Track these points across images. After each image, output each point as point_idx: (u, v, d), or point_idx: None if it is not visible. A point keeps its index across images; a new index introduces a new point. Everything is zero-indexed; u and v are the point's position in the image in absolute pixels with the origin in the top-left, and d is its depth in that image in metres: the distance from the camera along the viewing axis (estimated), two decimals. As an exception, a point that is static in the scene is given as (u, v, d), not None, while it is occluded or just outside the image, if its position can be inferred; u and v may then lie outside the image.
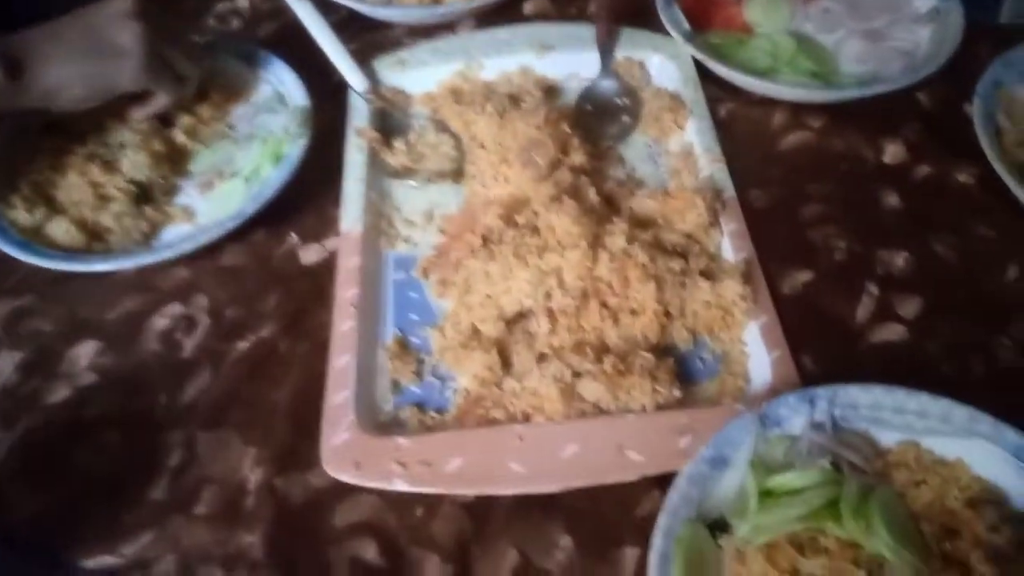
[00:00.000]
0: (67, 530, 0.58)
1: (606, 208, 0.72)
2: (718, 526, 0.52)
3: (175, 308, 0.71)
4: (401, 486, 0.57)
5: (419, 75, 0.88)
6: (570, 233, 0.65)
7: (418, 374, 0.66)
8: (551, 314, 0.65)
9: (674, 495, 0.51)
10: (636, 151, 0.82)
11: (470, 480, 0.57)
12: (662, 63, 0.88)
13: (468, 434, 0.60)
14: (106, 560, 0.57)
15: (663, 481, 0.53)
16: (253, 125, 0.84)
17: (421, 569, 0.55)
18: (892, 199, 0.76)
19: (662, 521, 0.50)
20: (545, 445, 0.58)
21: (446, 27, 0.95)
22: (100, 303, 0.72)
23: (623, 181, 0.78)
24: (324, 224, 0.76)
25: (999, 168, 0.72)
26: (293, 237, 0.75)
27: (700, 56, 0.84)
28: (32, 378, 0.67)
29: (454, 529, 0.57)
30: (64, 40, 0.72)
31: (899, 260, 0.71)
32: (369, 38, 0.93)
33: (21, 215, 0.73)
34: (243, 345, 0.68)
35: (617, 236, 0.66)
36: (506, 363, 0.65)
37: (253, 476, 0.60)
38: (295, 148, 0.78)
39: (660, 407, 0.61)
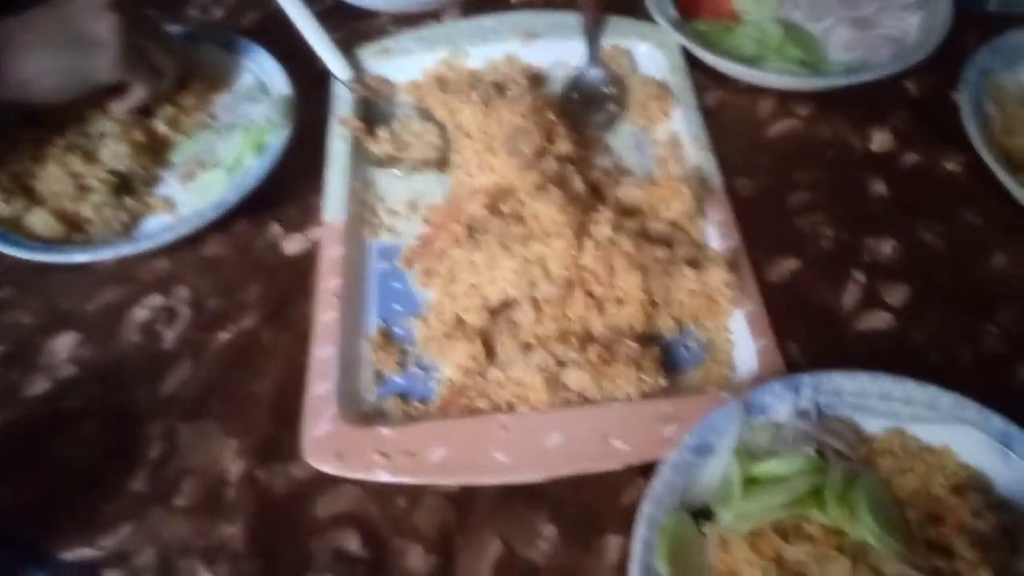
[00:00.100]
0: (46, 522, 0.58)
1: (592, 197, 0.71)
2: (703, 514, 0.51)
3: (156, 299, 0.70)
4: (384, 477, 0.56)
5: (404, 63, 0.87)
6: (555, 222, 0.65)
7: (402, 364, 0.65)
8: (536, 303, 0.64)
9: (658, 483, 0.51)
10: (623, 139, 0.82)
11: (454, 470, 0.56)
12: (649, 51, 0.87)
13: (452, 424, 0.59)
14: (85, 552, 0.56)
15: (648, 470, 0.53)
16: (235, 115, 0.83)
17: (404, 560, 0.55)
18: (879, 187, 0.76)
19: (646, 509, 0.50)
20: (529, 434, 0.57)
21: (431, 15, 0.94)
22: (80, 295, 0.71)
23: (609, 170, 0.77)
24: (307, 214, 0.75)
25: (986, 156, 0.71)
26: (276, 227, 0.75)
27: (687, 44, 0.83)
28: (11, 370, 0.66)
29: (437, 520, 0.57)
30: (39, 30, 0.71)
31: (886, 248, 0.70)
32: (353, 26, 0.93)
33: (-1, 206, 0.73)
34: (224, 336, 0.68)
35: (602, 225, 0.65)
36: (490, 353, 0.64)
37: (234, 467, 0.60)
38: (277, 138, 0.77)
39: (645, 396, 0.60)
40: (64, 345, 0.68)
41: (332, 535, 0.56)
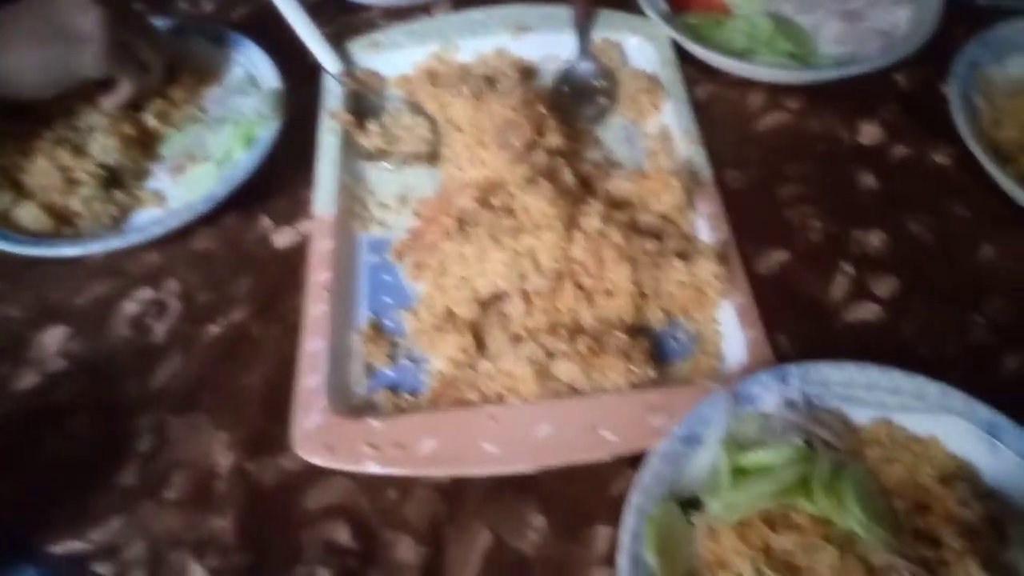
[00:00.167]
0: (35, 516, 0.58)
1: (582, 190, 0.71)
2: (691, 504, 0.51)
3: (145, 293, 0.70)
4: (374, 468, 0.56)
5: (394, 57, 0.87)
6: (545, 214, 0.65)
7: (392, 357, 0.65)
8: (526, 296, 0.65)
9: (646, 474, 0.51)
10: (613, 133, 0.82)
11: (443, 462, 0.56)
12: (640, 44, 0.87)
13: (441, 416, 0.59)
14: (74, 546, 0.56)
15: (637, 460, 0.53)
16: (225, 108, 0.83)
17: (394, 551, 0.55)
18: (868, 180, 0.76)
19: (634, 499, 0.50)
20: (519, 426, 0.57)
21: (421, 8, 0.94)
22: (69, 288, 0.71)
23: (600, 163, 0.77)
24: (297, 207, 0.75)
25: (975, 148, 0.72)
26: (266, 220, 0.75)
27: (678, 37, 0.83)
28: (0, 364, 0.66)
29: (427, 511, 0.57)
30: (23, 24, 0.71)
31: (875, 240, 0.71)
32: (344, 20, 0.92)
33: (-12, 200, 0.72)
34: (214, 329, 0.67)
35: (592, 217, 0.65)
36: (481, 345, 0.64)
37: (224, 460, 0.60)
38: (267, 131, 0.77)
39: (634, 387, 0.60)
40: (53, 339, 0.67)
41: (322, 527, 0.56)
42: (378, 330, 0.66)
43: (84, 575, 0.55)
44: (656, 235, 0.68)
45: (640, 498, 0.50)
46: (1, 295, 0.71)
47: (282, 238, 0.74)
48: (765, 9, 0.87)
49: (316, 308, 0.65)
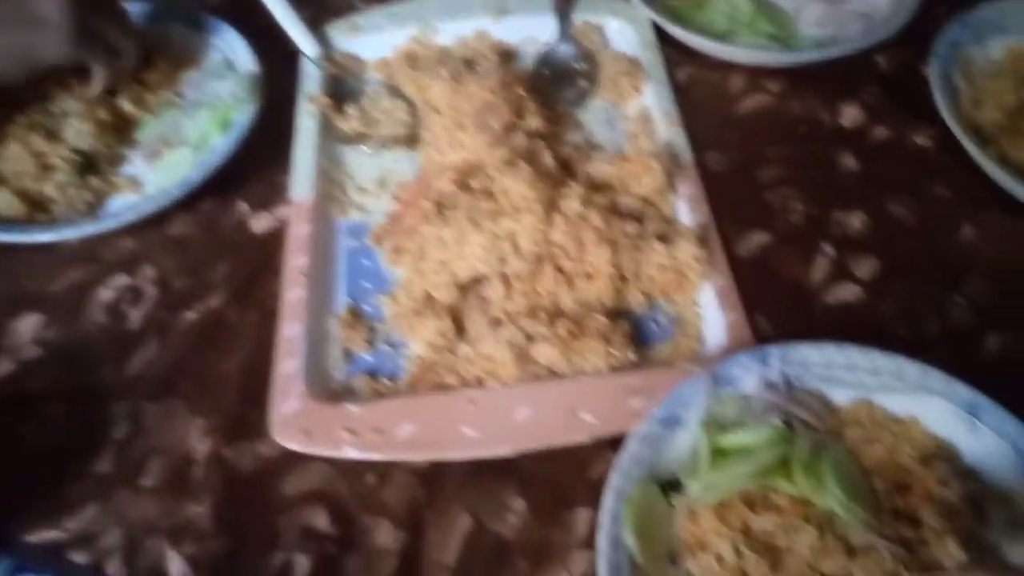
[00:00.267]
0: (10, 505, 0.57)
1: (562, 172, 0.70)
2: (672, 486, 0.51)
3: (121, 279, 0.69)
4: (352, 453, 0.56)
5: (373, 40, 0.86)
6: (525, 197, 0.64)
7: (370, 342, 0.65)
8: (506, 279, 0.64)
9: (625, 456, 0.51)
10: (594, 116, 0.81)
11: (422, 446, 0.56)
12: (620, 27, 0.87)
13: (420, 400, 0.59)
14: (50, 534, 0.56)
15: (617, 443, 0.52)
16: (201, 92, 0.82)
17: (373, 536, 0.55)
18: (849, 161, 0.76)
19: (613, 481, 0.50)
20: (498, 409, 0.57)
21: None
22: (44, 275, 0.70)
23: (580, 146, 0.77)
24: (275, 192, 0.74)
25: (955, 129, 0.71)
26: (243, 206, 0.74)
27: (658, 19, 0.83)
28: (-26, 352, 0.65)
29: (406, 496, 0.56)
30: None
31: (855, 221, 0.71)
32: (322, 3, 0.91)
33: (-40, 186, 0.71)
34: (191, 315, 0.67)
35: (572, 200, 0.65)
36: (460, 329, 0.64)
37: (201, 447, 0.59)
38: (243, 115, 0.76)
39: (614, 370, 0.60)
40: (28, 326, 0.67)
41: (300, 513, 0.56)
42: (356, 315, 0.66)
43: (60, 564, 0.55)
44: (636, 218, 0.67)
45: (619, 480, 0.50)
46: (-26, 282, 0.70)
47: (259, 223, 0.73)
48: (746, -9, 0.87)
49: (293, 293, 0.64)
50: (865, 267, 0.67)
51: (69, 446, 0.60)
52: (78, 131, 0.75)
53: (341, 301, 0.67)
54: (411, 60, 0.84)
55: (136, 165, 0.77)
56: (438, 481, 0.57)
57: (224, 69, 0.83)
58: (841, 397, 0.54)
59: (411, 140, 0.78)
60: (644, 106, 0.80)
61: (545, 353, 0.60)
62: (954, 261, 0.68)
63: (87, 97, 0.77)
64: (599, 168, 0.72)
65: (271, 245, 0.70)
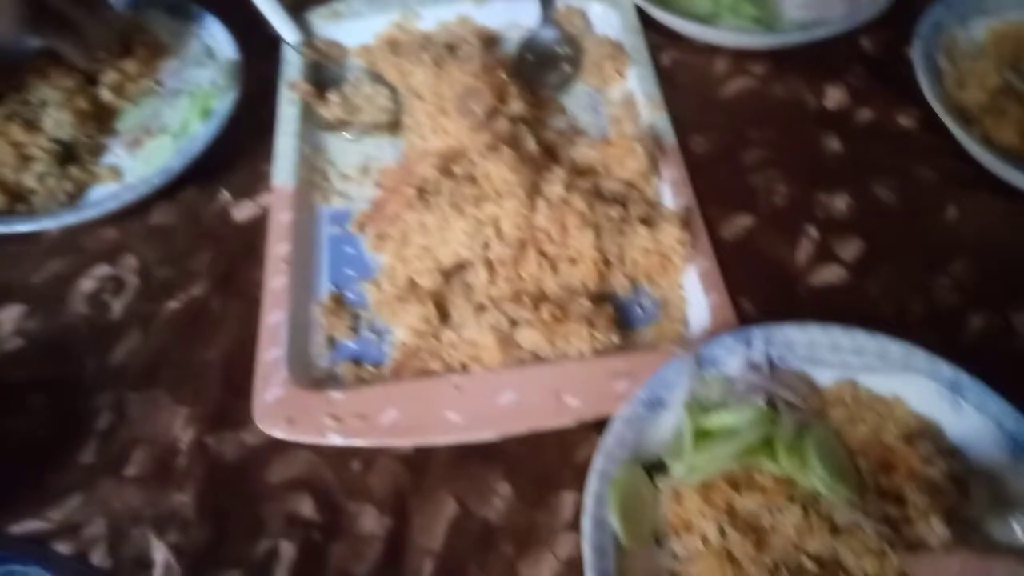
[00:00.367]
0: (-7, 496, 0.57)
1: (545, 157, 0.70)
2: (657, 468, 0.51)
3: (102, 269, 0.69)
4: (336, 440, 0.55)
5: (354, 27, 0.85)
6: (507, 181, 0.64)
7: (354, 329, 0.64)
8: (489, 264, 0.64)
9: (609, 438, 0.51)
10: (578, 100, 0.81)
11: (406, 431, 0.56)
12: (603, 11, 0.86)
13: (404, 386, 0.59)
14: (33, 525, 0.56)
15: (601, 426, 0.52)
16: (181, 80, 0.81)
17: (358, 522, 0.55)
18: (834, 143, 0.75)
19: (597, 463, 0.50)
20: (482, 394, 0.57)
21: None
22: (25, 266, 0.69)
23: (564, 130, 0.77)
24: (257, 180, 0.74)
25: (939, 110, 0.71)
26: (224, 194, 0.73)
27: (642, 3, 0.82)
28: (-45, 344, 0.65)
29: (391, 482, 0.56)
30: None
31: (840, 203, 0.70)
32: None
33: (-62, 178, 0.70)
34: (173, 305, 0.66)
35: (555, 184, 0.65)
36: (444, 315, 0.63)
37: (185, 436, 0.59)
38: (224, 103, 0.75)
39: (598, 353, 0.60)
40: (9, 317, 0.66)
41: (285, 500, 0.56)
42: (340, 302, 0.65)
43: (44, 554, 0.54)
44: (620, 202, 0.67)
45: (604, 462, 0.50)
46: (-46, 274, 0.69)
47: (242, 212, 0.72)
48: (729, -26, 0.86)
49: (276, 281, 0.64)
50: (849, 249, 0.67)
51: (52, 437, 0.60)
52: (57, 121, 0.74)
53: (324, 289, 0.67)
54: (393, 46, 0.83)
55: (117, 154, 0.77)
56: (423, 467, 0.57)
57: (204, 57, 0.82)
58: (825, 378, 0.55)
59: (393, 126, 0.77)
60: (628, 90, 0.80)
61: (529, 338, 0.60)
62: (938, 242, 0.68)
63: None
64: (582, 152, 0.72)
65: (254, 234, 0.70)
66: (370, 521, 0.55)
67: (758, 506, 0.48)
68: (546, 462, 0.56)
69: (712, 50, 0.83)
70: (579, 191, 0.65)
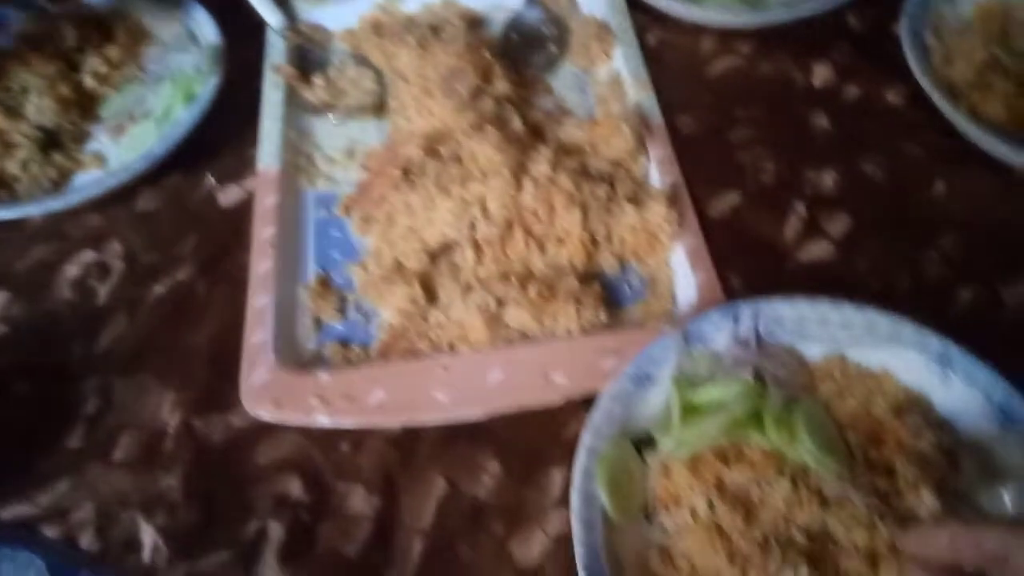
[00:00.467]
0: (-21, 483, 0.56)
1: (532, 137, 0.70)
2: (645, 443, 0.51)
3: (87, 255, 0.69)
4: (323, 421, 0.55)
5: (338, 10, 0.85)
6: (492, 161, 0.64)
7: (341, 311, 0.64)
8: (476, 244, 0.64)
9: (597, 414, 0.51)
10: (564, 81, 0.80)
11: (393, 411, 0.55)
12: (589, -9, 0.86)
13: (391, 366, 0.58)
14: (21, 510, 0.55)
15: (590, 403, 0.52)
16: (164, 66, 0.80)
17: (347, 502, 0.55)
18: (821, 120, 0.75)
19: (585, 439, 0.50)
20: (470, 373, 0.57)
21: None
22: (9, 253, 0.69)
23: (551, 111, 0.76)
24: (243, 165, 0.73)
25: (927, 86, 0.71)
26: (210, 179, 0.73)
27: (627, -17, 0.82)
28: (-60, 332, 0.64)
29: (380, 462, 0.56)
30: None
31: (827, 180, 0.70)
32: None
33: (-80, 165, 0.70)
34: (159, 289, 0.66)
35: (541, 163, 0.64)
36: (432, 296, 0.63)
37: (172, 419, 0.59)
38: (208, 87, 0.75)
39: (586, 332, 0.60)
40: (-6, 304, 0.66)
41: (273, 481, 0.56)
42: (326, 285, 0.65)
43: (33, 539, 0.54)
44: (607, 181, 0.67)
45: (592, 438, 0.50)
46: (-62, 262, 0.69)
47: (227, 196, 0.72)
48: (715, -47, 0.86)
49: (262, 264, 0.64)
50: (837, 224, 0.67)
51: (39, 422, 0.59)
52: (39, 107, 0.74)
53: (311, 271, 0.66)
54: (377, 28, 0.83)
55: (100, 141, 0.76)
56: (412, 446, 0.57)
57: (187, 42, 0.81)
58: (814, 352, 0.54)
59: (378, 109, 0.77)
60: (614, 70, 0.79)
61: (516, 317, 0.59)
62: (926, 217, 0.68)
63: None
64: (569, 132, 0.72)
65: (239, 218, 0.69)
66: (359, 501, 0.54)
67: (747, 480, 0.48)
68: (534, 440, 0.56)
69: (698, 29, 0.83)
70: (566, 170, 0.65)
